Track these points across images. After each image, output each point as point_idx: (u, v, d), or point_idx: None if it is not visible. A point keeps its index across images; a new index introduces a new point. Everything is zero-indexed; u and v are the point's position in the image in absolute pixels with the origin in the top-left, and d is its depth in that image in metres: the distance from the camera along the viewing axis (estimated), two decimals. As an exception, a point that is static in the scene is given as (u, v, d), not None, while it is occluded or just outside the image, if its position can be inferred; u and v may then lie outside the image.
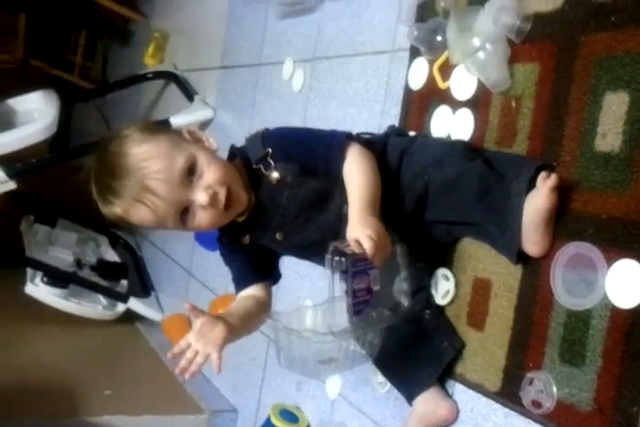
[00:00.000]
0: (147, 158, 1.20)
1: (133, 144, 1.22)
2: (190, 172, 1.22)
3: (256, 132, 1.33)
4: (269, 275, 1.43)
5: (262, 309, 1.36)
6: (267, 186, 1.29)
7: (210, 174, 1.22)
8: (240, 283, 1.40)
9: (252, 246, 1.36)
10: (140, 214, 1.23)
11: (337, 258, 1.16)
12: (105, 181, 1.23)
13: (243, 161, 1.31)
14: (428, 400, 1.34)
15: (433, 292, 1.39)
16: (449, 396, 1.35)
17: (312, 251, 1.34)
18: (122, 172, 1.20)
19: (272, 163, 1.28)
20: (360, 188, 1.24)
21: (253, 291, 1.38)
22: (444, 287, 1.37)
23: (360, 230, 1.16)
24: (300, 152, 1.29)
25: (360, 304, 1.21)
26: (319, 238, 1.29)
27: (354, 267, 1.18)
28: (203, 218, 1.24)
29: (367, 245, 1.14)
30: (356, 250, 1.15)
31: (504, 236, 1.18)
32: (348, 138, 1.32)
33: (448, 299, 1.36)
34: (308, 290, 1.83)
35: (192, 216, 1.24)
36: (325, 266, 1.17)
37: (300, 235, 1.32)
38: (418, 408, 1.35)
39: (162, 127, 1.27)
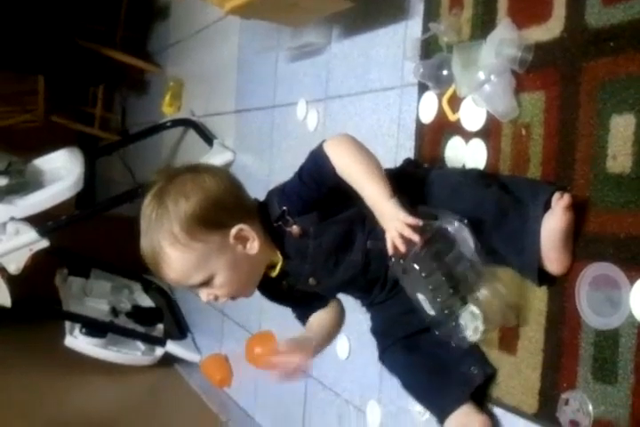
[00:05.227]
0: (168, 264, 1.26)
1: (168, 241, 1.25)
2: (203, 284, 1.29)
3: (272, 189, 1.36)
4: (324, 298, 1.46)
5: (336, 320, 1.45)
6: (291, 240, 1.32)
7: (218, 291, 1.30)
8: (300, 318, 1.46)
9: (291, 290, 1.40)
10: None
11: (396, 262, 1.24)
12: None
13: (263, 219, 1.33)
14: (459, 419, 1.33)
15: (462, 323, 1.39)
16: (481, 412, 1.34)
17: (346, 288, 1.41)
18: (146, 258, 1.29)
19: (290, 219, 1.30)
20: (363, 177, 1.26)
21: (318, 314, 1.44)
22: (472, 324, 1.36)
23: (387, 227, 1.22)
24: (309, 191, 1.30)
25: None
26: (350, 277, 1.34)
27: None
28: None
29: (394, 242, 1.20)
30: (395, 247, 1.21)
31: (522, 259, 1.21)
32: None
33: (478, 335, 1.33)
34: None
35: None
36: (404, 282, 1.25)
37: (331, 278, 1.36)
38: None
39: (210, 220, 1.27)
